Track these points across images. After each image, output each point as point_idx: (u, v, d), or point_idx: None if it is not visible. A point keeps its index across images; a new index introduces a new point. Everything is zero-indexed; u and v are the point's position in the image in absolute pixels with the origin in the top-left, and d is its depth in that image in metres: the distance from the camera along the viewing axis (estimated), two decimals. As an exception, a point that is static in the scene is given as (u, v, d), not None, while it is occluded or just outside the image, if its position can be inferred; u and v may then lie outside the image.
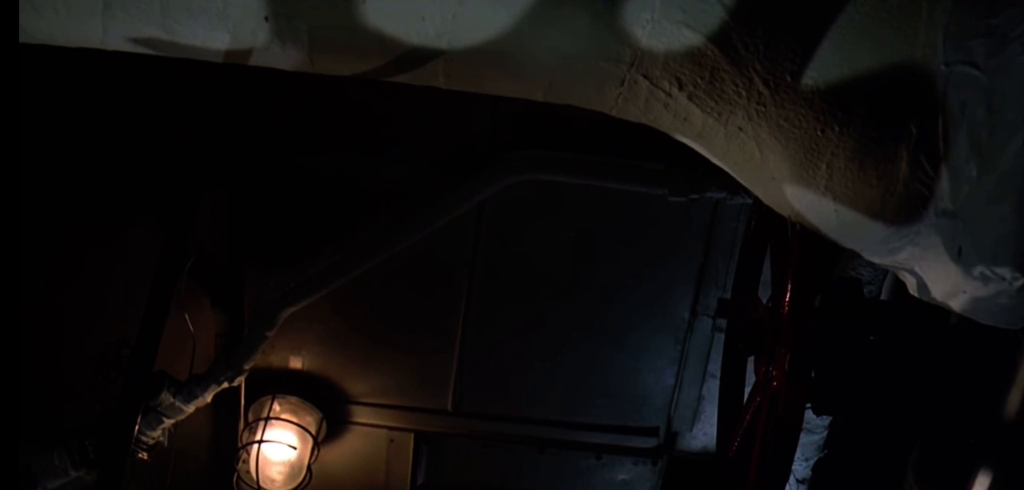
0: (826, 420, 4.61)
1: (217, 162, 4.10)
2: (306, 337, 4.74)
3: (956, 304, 2.18)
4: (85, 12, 1.95)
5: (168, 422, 4.04)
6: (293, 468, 4.75)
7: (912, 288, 2.29)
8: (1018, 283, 2.01)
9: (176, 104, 3.88)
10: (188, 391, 4.09)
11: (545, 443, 5.04)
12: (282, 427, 4.75)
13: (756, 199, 2.34)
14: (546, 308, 4.71)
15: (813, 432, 4.64)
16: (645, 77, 2.04)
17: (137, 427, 3.64)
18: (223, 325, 4.53)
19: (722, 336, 4.45)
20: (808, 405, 2.76)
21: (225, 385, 4.27)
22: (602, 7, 1.95)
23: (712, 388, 4.91)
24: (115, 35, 2.00)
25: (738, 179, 2.26)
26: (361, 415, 4.99)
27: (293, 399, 4.82)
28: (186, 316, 4.06)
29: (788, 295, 2.70)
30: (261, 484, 4.62)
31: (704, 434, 5.15)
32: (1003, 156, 1.97)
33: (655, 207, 4.35)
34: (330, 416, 4.93)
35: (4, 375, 1.76)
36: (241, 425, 4.74)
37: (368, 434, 5.06)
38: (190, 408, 4.12)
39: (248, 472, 4.67)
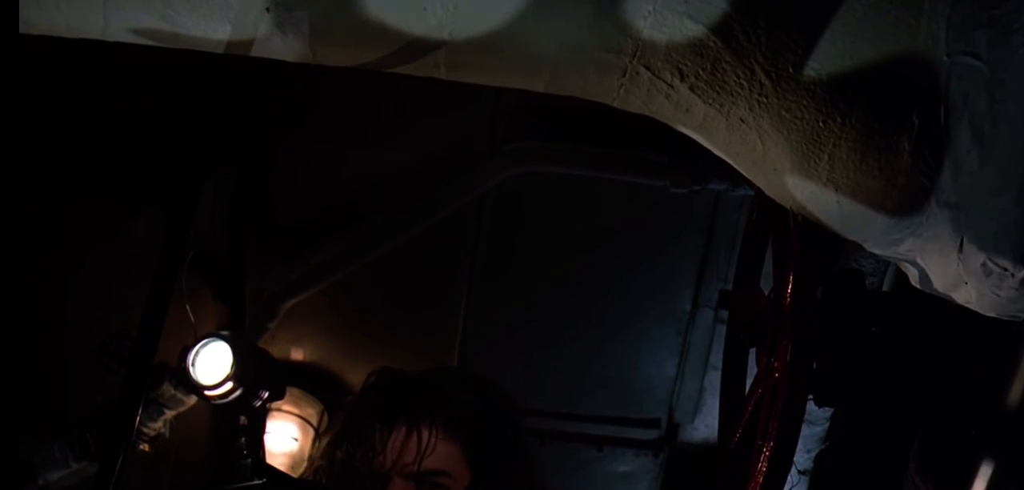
0: (828, 412, 4.61)
1: (219, 154, 4.10)
2: (307, 329, 4.75)
3: (958, 296, 2.18)
4: (86, 2, 1.95)
5: (169, 414, 4.03)
6: (294, 460, 4.76)
7: (914, 280, 2.29)
8: (1020, 274, 2.01)
9: (177, 95, 3.88)
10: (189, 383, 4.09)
11: (546, 435, 5.04)
12: (283, 419, 4.75)
13: (758, 191, 2.34)
14: (547, 300, 4.71)
15: (815, 424, 4.65)
16: (647, 68, 2.03)
17: (138, 419, 3.64)
18: (224, 317, 4.53)
19: (723, 328, 4.45)
20: (810, 397, 2.76)
21: (226, 377, 4.27)
22: (604, -2, 1.95)
23: (714, 380, 4.91)
24: (116, 26, 1.99)
25: (740, 170, 2.25)
26: (362, 407, 4.98)
27: (294, 391, 4.82)
28: (187, 308, 4.06)
29: (790, 287, 2.70)
30: (263, 476, 4.63)
31: (706, 426, 5.16)
32: (1006, 147, 1.97)
33: (656, 199, 4.35)
34: (331, 408, 4.93)
35: (5, 367, 1.76)
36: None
37: (369, 426, 5.05)
38: (191, 400, 4.12)
39: (250, 464, 4.68)
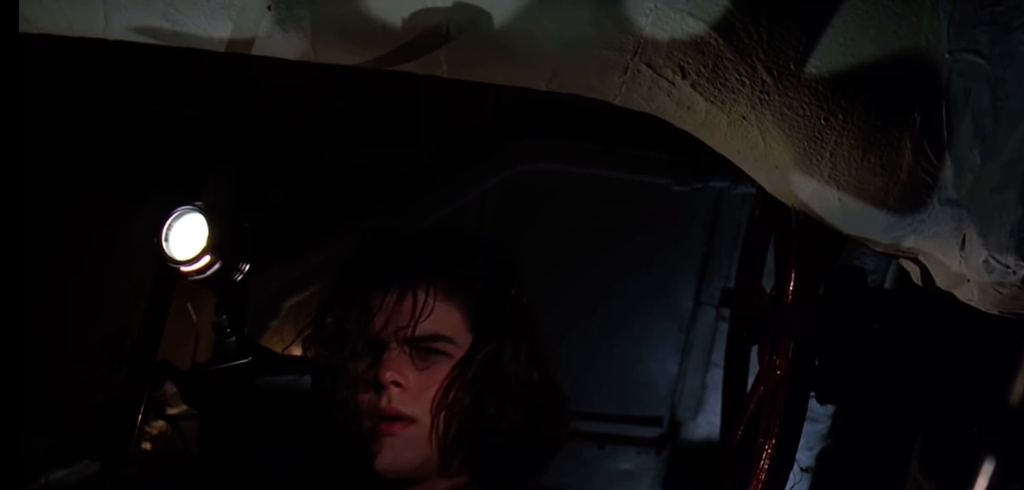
0: (830, 409, 4.61)
1: (220, 151, 4.10)
2: (309, 326, 4.73)
3: (960, 293, 2.18)
4: (87, 1, 1.95)
5: (171, 412, 4.03)
6: (296, 457, 4.74)
7: (916, 277, 2.29)
8: (1022, 272, 2.01)
9: (179, 92, 3.88)
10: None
11: (548, 432, 5.02)
12: (285, 416, 4.74)
13: (759, 188, 2.34)
14: (548, 298, 4.69)
15: (817, 421, 4.65)
16: (648, 66, 2.03)
17: (140, 417, 3.64)
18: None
19: (725, 325, 4.45)
20: (812, 394, 2.76)
21: (228, 375, 4.27)
22: (605, -5, 1.95)
23: (716, 377, 4.91)
24: (117, 24, 2.00)
25: (741, 168, 2.25)
26: (364, 405, 4.98)
27: (296, 389, 4.81)
28: (189, 306, 4.06)
29: (792, 284, 2.70)
30: (265, 474, 4.62)
31: (708, 424, 5.15)
32: (1007, 144, 1.97)
33: (658, 196, 4.35)
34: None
35: (5, 366, 1.76)
36: (244, 415, 4.72)
37: (371, 424, 5.04)
38: (193, 398, 4.11)
39: (252, 461, 4.66)
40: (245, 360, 2.43)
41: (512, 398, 2.22)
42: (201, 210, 2.61)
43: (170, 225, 2.64)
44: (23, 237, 1.86)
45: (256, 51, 2.06)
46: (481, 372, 2.18)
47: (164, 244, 2.63)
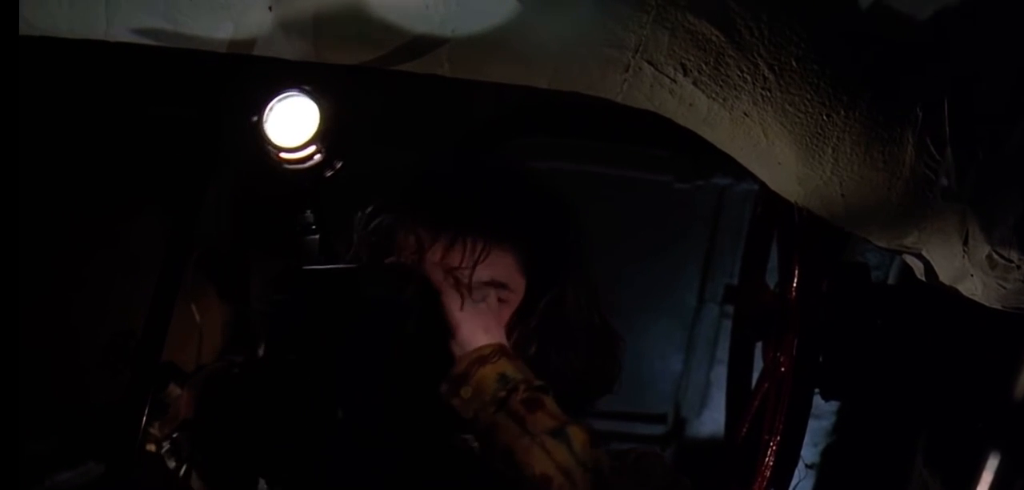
0: (834, 405, 4.61)
1: (222, 152, 4.10)
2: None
3: (963, 288, 2.18)
4: (88, 3, 1.95)
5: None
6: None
7: (919, 273, 2.28)
8: (1025, 266, 2.01)
9: (181, 94, 3.88)
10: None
11: (552, 431, 5.01)
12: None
13: (762, 184, 2.34)
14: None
15: (821, 417, 4.64)
16: (650, 63, 2.03)
17: (144, 419, 3.64)
18: (229, 315, 4.53)
19: (729, 322, 4.45)
20: (816, 390, 2.76)
21: (232, 375, 4.26)
22: (607, -8, 1.95)
23: (720, 374, 4.90)
24: (119, 26, 2.00)
25: (744, 165, 2.25)
26: (368, 405, 4.97)
27: (300, 389, 4.80)
28: (193, 307, 4.06)
29: (795, 281, 2.69)
30: (269, 474, 4.61)
31: (712, 421, 5.14)
32: (1010, 139, 1.97)
33: (660, 194, 4.34)
34: (337, 406, 4.90)
35: (9, 367, 1.76)
36: (248, 415, 4.72)
37: (375, 423, 5.03)
38: (196, 400, 4.11)
39: (256, 462, 4.65)
40: (351, 265, 2.34)
41: (575, 345, 2.21)
42: (311, 94, 2.45)
43: (272, 107, 2.46)
44: (27, 239, 1.86)
45: (257, 51, 2.06)
46: (544, 320, 2.16)
47: (264, 125, 2.45)
